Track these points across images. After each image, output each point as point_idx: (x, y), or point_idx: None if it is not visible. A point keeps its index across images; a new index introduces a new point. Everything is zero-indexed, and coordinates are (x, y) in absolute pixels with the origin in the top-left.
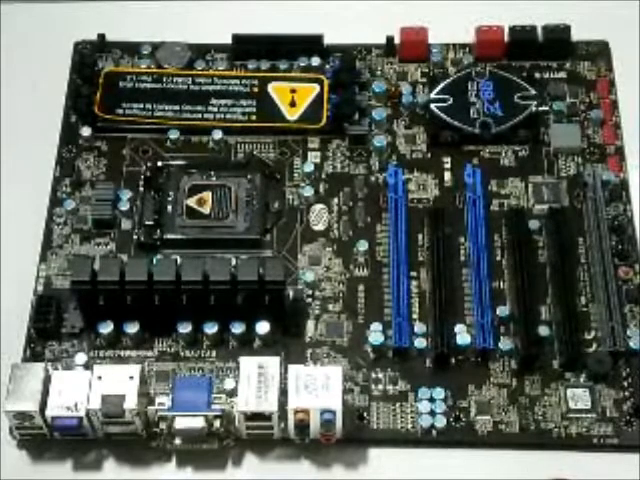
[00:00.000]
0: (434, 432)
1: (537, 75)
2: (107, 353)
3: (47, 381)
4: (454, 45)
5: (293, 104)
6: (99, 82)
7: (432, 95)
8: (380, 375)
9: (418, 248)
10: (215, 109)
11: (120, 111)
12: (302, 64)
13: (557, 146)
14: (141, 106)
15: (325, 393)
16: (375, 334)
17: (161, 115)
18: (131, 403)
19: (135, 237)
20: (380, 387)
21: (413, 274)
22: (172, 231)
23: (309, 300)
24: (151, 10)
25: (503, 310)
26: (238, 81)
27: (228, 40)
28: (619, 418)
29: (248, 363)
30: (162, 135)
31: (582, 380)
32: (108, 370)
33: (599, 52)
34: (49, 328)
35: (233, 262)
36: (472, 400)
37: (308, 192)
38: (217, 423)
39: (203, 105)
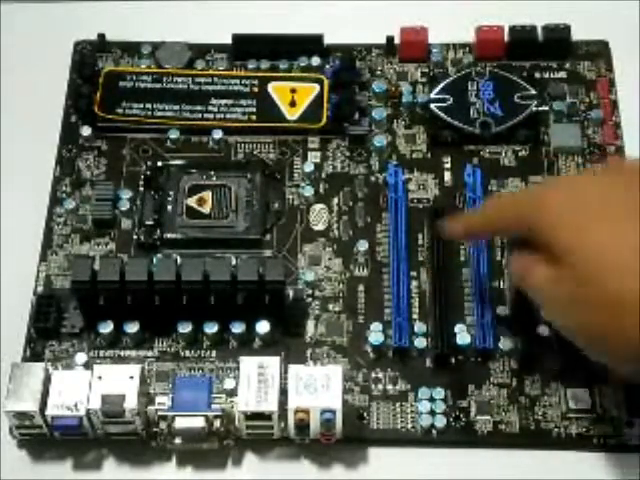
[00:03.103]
0: (434, 432)
1: (537, 75)
2: (107, 353)
3: (47, 381)
4: (454, 45)
5: (293, 104)
6: (99, 82)
7: (432, 95)
8: (380, 375)
9: (418, 248)
10: (215, 109)
11: (120, 111)
12: (302, 64)
13: (557, 146)
14: (141, 106)
15: (325, 393)
16: (375, 334)
17: (161, 115)
18: (131, 403)
19: (135, 237)
20: (380, 387)
21: (413, 274)
22: (172, 231)
23: (309, 300)
24: (151, 10)
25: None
26: (238, 81)
27: (228, 40)
28: (619, 418)
29: (248, 363)
30: (162, 135)
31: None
32: (108, 370)
33: (599, 52)
34: (49, 328)
35: (233, 262)
36: (472, 400)
37: (308, 192)
38: (217, 423)
39: (203, 105)
